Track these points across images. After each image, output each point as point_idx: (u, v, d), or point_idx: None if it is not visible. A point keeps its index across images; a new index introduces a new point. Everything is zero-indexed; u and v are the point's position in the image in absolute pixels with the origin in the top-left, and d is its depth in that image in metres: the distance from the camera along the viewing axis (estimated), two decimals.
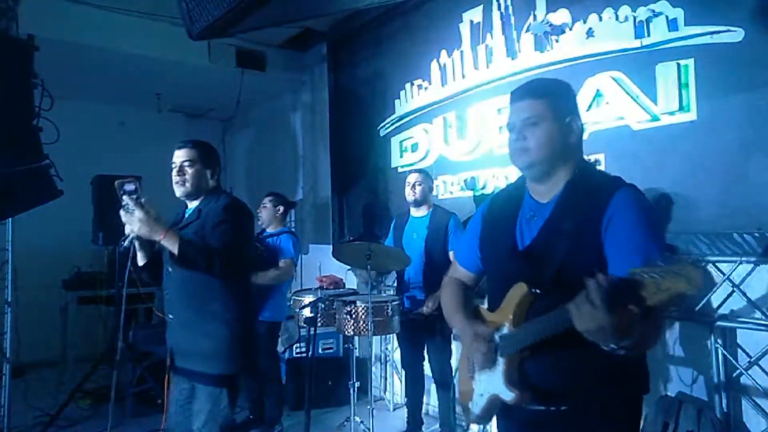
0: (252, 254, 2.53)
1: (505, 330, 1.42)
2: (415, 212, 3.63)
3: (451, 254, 3.45)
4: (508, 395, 1.40)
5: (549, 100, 1.44)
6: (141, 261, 2.31)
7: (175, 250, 2.07)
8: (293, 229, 4.08)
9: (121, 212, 2.07)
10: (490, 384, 1.46)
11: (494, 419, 1.59)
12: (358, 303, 3.30)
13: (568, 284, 1.22)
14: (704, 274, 1.01)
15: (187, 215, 2.37)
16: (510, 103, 1.52)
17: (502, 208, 1.59)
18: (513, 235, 1.49)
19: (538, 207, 1.48)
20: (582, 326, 1.16)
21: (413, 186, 3.55)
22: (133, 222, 2.05)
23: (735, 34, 2.56)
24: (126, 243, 2.24)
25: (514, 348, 1.39)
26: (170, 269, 2.31)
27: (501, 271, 1.52)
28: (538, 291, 1.37)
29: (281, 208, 4.05)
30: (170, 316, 2.36)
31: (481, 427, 3.61)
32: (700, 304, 2.73)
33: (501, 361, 1.42)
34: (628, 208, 1.34)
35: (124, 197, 2.06)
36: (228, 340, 2.27)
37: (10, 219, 3.76)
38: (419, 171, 3.65)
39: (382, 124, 4.68)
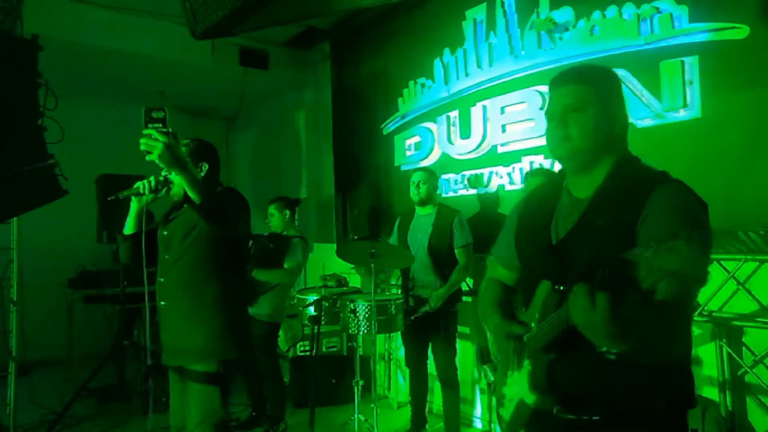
0: (246, 240, 2.51)
1: (529, 333, 1.36)
2: (420, 210, 3.62)
3: (457, 252, 3.46)
4: (531, 398, 1.34)
5: (595, 86, 1.33)
6: (128, 229, 2.32)
7: (197, 183, 2.02)
8: (302, 235, 4.08)
9: (143, 140, 1.95)
10: (518, 388, 1.40)
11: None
12: (362, 302, 3.30)
13: (598, 279, 1.10)
14: (696, 253, 0.91)
15: (185, 206, 2.34)
16: (550, 89, 1.39)
17: (538, 204, 1.50)
18: (547, 230, 1.40)
19: (576, 202, 1.37)
20: (577, 319, 1.11)
21: (418, 185, 3.55)
22: (157, 148, 1.92)
23: (740, 31, 2.55)
24: (122, 195, 2.24)
25: (535, 348, 1.33)
26: (167, 255, 2.32)
27: (533, 269, 1.44)
28: (562, 288, 1.26)
29: (288, 213, 4.05)
30: (162, 303, 2.34)
31: None
32: (706, 302, 2.73)
33: (527, 363, 1.36)
34: (666, 206, 1.22)
35: (149, 125, 1.96)
36: (222, 328, 2.26)
37: (15, 218, 3.78)
38: (424, 170, 3.64)
39: (385, 123, 4.68)
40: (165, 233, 2.36)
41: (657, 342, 1.17)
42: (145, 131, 1.94)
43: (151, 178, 2.25)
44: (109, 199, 2.27)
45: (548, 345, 1.27)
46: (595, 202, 1.33)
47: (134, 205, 2.32)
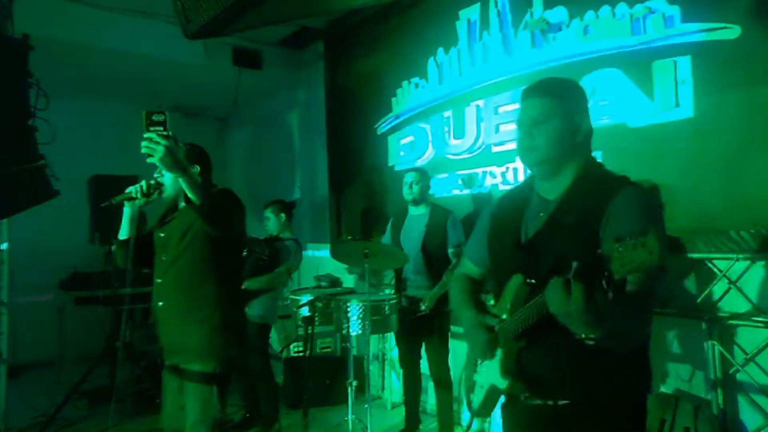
0: (241, 240, 2.53)
1: (501, 320, 1.47)
2: (413, 210, 3.63)
3: (450, 252, 3.46)
4: (502, 383, 1.44)
5: (558, 99, 1.46)
6: (123, 234, 2.35)
7: (196, 185, 2.03)
8: (296, 237, 4.07)
9: (143, 143, 1.94)
10: (489, 374, 1.50)
11: (496, 416, 1.61)
12: (356, 302, 3.29)
13: (564, 275, 1.23)
14: (662, 246, 1.03)
15: (180, 208, 2.37)
16: (520, 100, 1.54)
17: (510, 204, 1.63)
18: (517, 230, 1.53)
19: (545, 203, 1.51)
20: (554, 308, 1.21)
21: (410, 185, 3.55)
22: (158, 151, 1.92)
23: (731, 31, 2.56)
24: (115, 201, 2.27)
25: (508, 336, 1.43)
26: (164, 257, 2.34)
27: (504, 265, 1.55)
28: (533, 281, 1.39)
29: (283, 216, 4.04)
30: (160, 303, 2.36)
31: (486, 424, 3.63)
32: (698, 301, 2.74)
33: (499, 351, 1.46)
34: (628, 206, 1.35)
35: (150, 128, 1.95)
36: (219, 328, 2.28)
37: (6, 219, 3.75)
38: (416, 170, 3.65)
39: (379, 123, 4.67)
40: (162, 235, 2.38)
41: (627, 329, 1.30)
42: (146, 134, 1.94)
43: (143, 182, 2.28)
44: (101, 205, 2.30)
45: (520, 334, 1.40)
46: (562, 204, 1.46)
47: (127, 210, 2.35)
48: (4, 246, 3.87)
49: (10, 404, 3.87)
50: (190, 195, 2.04)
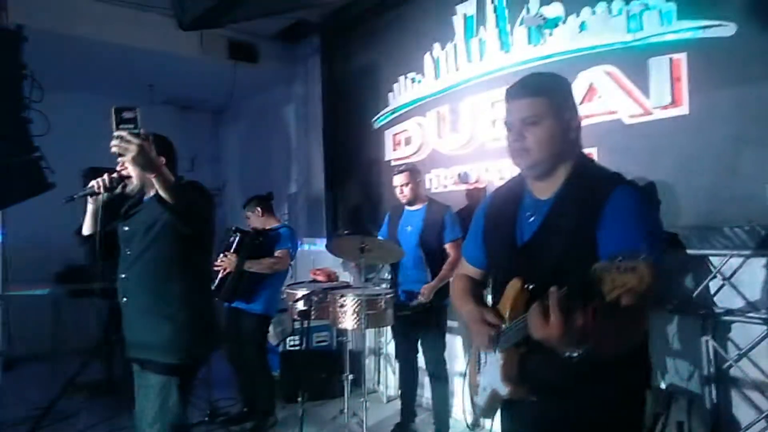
0: (210, 235, 2.48)
1: (503, 326, 1.42)
2: (410, 207, 3.62)
3: (447, 246, 3.47)
4: (504, 390, 1.41)
5: (548, 98, 1.40)
6: (87, 230, 2.30)
7: (170, 184, 1.97)
8: (288, 224, 4.07)
9: (114, 142, 1.86)
10: (491, 378, 1.46)
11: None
12: (352, 296, 3.30)
13: (564, 280, 1.19)
14: (654, 272, 1.01)
15: (145, 201, 2.31)
16: (506, 100, 1.47)
17: (502, 204, 1.58)
18: (512, 231, 1.49)
19: (538, 204, 1.46)
20: (534, 334, 1.19)
21: (401, 189, 3.55)
22: (130, 150, 1.85)
23: (727, 29, 2.57)
24: (76, 196, 2.20)
25: (507, 344, 1.39)
26: (129, 251, 2.27)
27: (502, 268, 1.52)
28: (532, 287, 1.35)
29: (260, 210, 4.03)
30: (125, 299, 2.30)
31: (491, 422, 3.65)
32: (693, 297, 2.76)
33: (499, 356, 1.42)
34: (623, 206, 1.32)
35: (121, 126, 1.86)
36: (185, 325, 2.22)
37: (1, 212, 3.73)
38: (404, 171, 3.56)
39: (375, 117, 4.67)
40: (126, 228, 2.31)
41: (615, 344, 1.24)
42: (117, 132, 1.86)
43: (105, 177, 2.20)
44: (64, 201, 2.22)
45: (519, 341, 1.35)
46: (557, 205, 1.42)
47: (90, 206, 2.28)
48: None
49: (4, 397, 3.86)
50: (162, 194, 1.97)
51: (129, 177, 2.20)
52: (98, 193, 2.20)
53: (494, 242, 1.58)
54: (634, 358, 1.39)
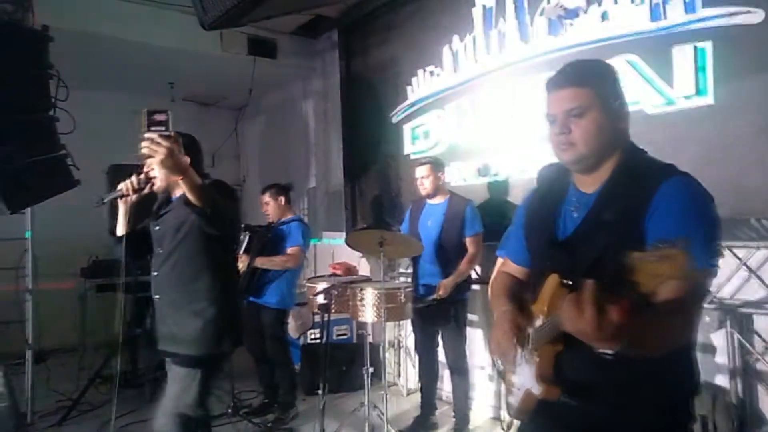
0: (235, 233, 2.52)
1: (539, 322, 1.36)
2: (431, 200, 3.62)
3: (467, 241, 3.45)
4: (537, 389, 1.35)
5: (595, 87, 1.31)
6: (120, 231, 2.34)
7: (196, 187, 2.00)
8: (303, 218, 4.10)
9: (143, 144, 1.88)
10: (525, 377, 1.41)
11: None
12: (371, 290, 3.32)
13: (605, 276, 1.10)
14: (690, 259, 0.94)
15: (174, 201, 2.37)
16: (548, 91, 1.38)
17: (544, 198, 1.51)
18: (554, 226, 1.42)
19: (582, 197, 1.39)
20: (567, 326, 1.11)
21: (421, 181, 3.54)
22: (159, 153, 1.87)
23: (754, 16, 2.51)
24: (106, 199, 2.27)
25: (542, 340, 1.33)
26: (160, 250, 2.35)
27: (542, 263, 1.45)
28: (570, 282, 1.27)
29: (282, 199, 4.06)
30: (157, 297, 2.38)
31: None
32: (717, 290, 2.72)
33: (534, 354, 1.37)
34: (674, 199, 1.22)
35: (152, 128, 1.88)
36: (213, 321, 2.29)
37: (29, 209, 3.82)
38: (425, 163, 3.56)
39: (394, 111, 4.66)
40: (157, 228, 2.39)
41: (654, 341, 1.16)
42: (147, 135, 1.88)
43: (133, 178, 2.25)
44: (95, 205, 2.29)
45: (555, 338, 1.27)
46: (602, 198, 1.33)
47: (122, 207, 2.33)
48: (28, 234, 3.95)
49: (35, 389, 3.97)
50: (189, 196, 2.00)
51: (155, 177, 2.25)
52: (127, 195, 2.26)
53: (535, 237, 1.50)
54: (676, 362, 1.30)
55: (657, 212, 1.22)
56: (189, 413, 2.27)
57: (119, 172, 4.54)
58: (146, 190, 2.29)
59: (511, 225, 1.65)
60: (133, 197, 2.28)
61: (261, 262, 3.83)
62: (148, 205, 2.43)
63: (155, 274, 2.39)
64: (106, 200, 2.30)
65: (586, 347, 1.15)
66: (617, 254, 1.05)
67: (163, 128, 1.89)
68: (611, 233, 1.26)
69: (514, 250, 1.62)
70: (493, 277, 1.71)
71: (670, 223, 1.19)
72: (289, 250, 3.91)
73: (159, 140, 1.87)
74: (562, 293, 1.27)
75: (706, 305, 2.75)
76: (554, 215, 1.43)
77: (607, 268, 1.09)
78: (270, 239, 3.94)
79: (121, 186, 2.26)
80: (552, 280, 1.33)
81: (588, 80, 1.33)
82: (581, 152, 1.32)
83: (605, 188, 1.34)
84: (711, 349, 2.80)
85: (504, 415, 3.60)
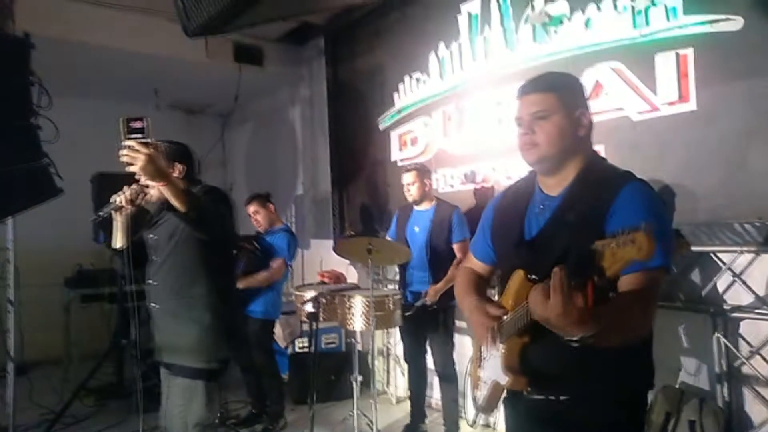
0: (230, 239, 2.51)
1: (506, 317, 1.44)
2: (418, 206, 3.62)
3: (454, 247, 3.46)
4: (504, 379, 1.43)
5: (558, 94, 1.44)
6: (118, 243, 2.30)
7: (181, 194, 1.99)
8: (291, 225, 4.09)
9: (123, 152, 1.87)
10: (492, 370, 1.48)
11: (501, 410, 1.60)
12: (360, 298, 3.30)
13: (569, 269, 1.17)
14: (652, 241, 0.99)
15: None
16: (518, 97, 1.50)
17: (512, 200, 1.61)
18: (521, 226, 1.51)
19: (547, 200, 1.49)
20: (535, 314, 1.17)
21: (408, 187, 3.55)
22: (139, 160, 1.86)
23: (734, 23, 2.54)
24: (103, 213, 2.23)
25: (510, 332, 1.41)
26: (156, 258, 2.34)
27: (508, 262, 1.54)
28: (535, 278, 1.36)
29: (271, 206, 4.06)
30: (154, 305, 2.37)
31: (492, 420, 3.64)
32: (703, 294, 2.74)
33: (501, 347, 1.44)
34: (632, 202, 1.33)
35: (130, 136, 1.87)
36: (211, 328, 2.28)
37: (11, 218, 3.77)
38: (411, 170, 3.58)
39: (381, 118, 4.67)
40: (152, 236, 2.38)
41: (616, 333, 1.22)
42: (125, 142, 1.88)
43: (126, 190, 2.23)
44: (91, 221, 2.29)
45: (521, 330, 1.35)
46: (566, 200, 1.44)
47: (119, 219, 2.30)
48: (10, 245, 3.88)
49: (17, 402, 3.89)
50: (173, 203, 1.99)
51: (148, 186, 2.22)
52: (122, 207, 2.24)
53: (502, 237, 1.60)
54: (636, 356, 1.40)
55: (617, 213, 1.33)
56: (200, 421, 2.27)
57: (105, 181, 4.53)
58: (139, 201, 2.27)
59: (480, 224, 1.74)
60: (130, 209, 2.26)
61: (244, 284, 3.78)
62: (144, 215, 2.42)
63: (151, 282, 2.37)
64: (103, 214, 2.26)
65: (551, 340, 1.21)
66: (579, 252, 1.14)
67: (141, 135, 1.89)
68: (574, 233, 1.34)
69: (480, 247, 1.72)
70: (459, 270, 1.81)
71: (631, 220, 1.26)
72: (272, 263, 3.88)
73: (138, 147, 1.87)
74: (527, 287, 1.33)
75: (691, 310, 2.78)
76: (521, 217, 1.53)
77: (570, 265, 1.16)
78: (258, 258, 3.90)
79: (115, 198, 2.24)
80: (517, 276, 1.42)
81: (553, 87, 1.45)
82: (543, 153, 1.43)
83: (569, 191, 1.45)
84: (697, 354, 2.82)
85: (469, 409, 3.60)
